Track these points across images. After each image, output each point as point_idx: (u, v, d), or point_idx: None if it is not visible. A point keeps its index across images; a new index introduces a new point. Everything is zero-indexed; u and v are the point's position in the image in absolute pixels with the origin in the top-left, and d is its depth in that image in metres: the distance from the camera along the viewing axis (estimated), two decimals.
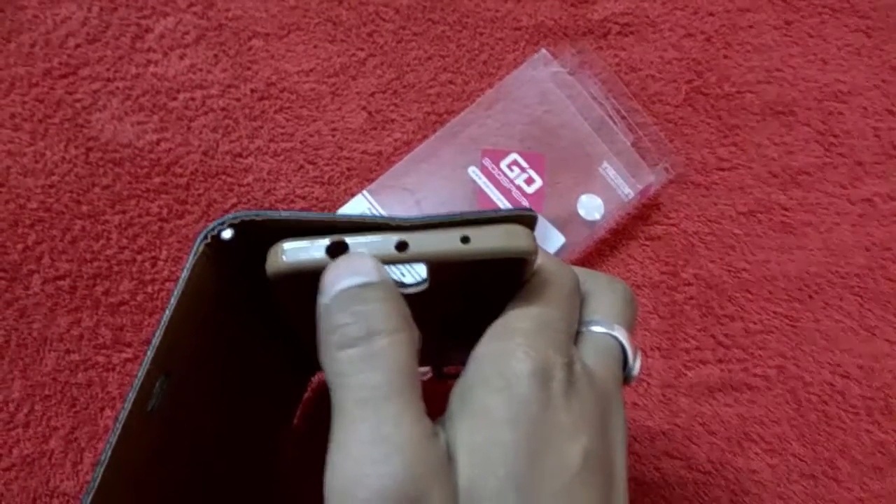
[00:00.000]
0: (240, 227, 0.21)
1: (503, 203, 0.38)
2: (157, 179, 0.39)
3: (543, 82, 0.40)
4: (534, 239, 0.21)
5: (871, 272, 0.40)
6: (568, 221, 0.38)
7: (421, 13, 0.43)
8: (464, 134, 0.39)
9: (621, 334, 0.24)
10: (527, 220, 0.21)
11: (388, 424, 0.18)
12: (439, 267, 0.21)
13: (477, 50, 0.43)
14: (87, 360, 0.35)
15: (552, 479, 0.19)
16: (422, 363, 0.32)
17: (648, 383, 0.38)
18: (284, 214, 0.21)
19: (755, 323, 0.39)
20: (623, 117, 0.40)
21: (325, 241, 0.20)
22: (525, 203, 0.38)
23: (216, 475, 0.28)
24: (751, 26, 0.44)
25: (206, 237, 0.21)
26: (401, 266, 0.36)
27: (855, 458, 0.37)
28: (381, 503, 0.17)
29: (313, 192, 0.40)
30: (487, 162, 0.38)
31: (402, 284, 0.24)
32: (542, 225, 0.38)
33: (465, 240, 0.21)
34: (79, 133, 0.39)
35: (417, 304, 0.23)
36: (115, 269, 0.37)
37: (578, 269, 0.26)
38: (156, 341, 0.20)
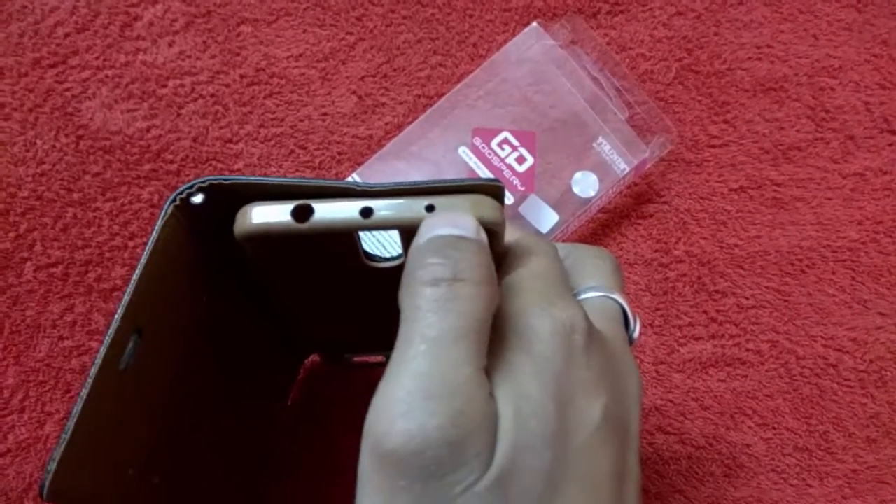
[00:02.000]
0: (209, 192, 0.21)
1: None
2: (147, 166, 0.39)
3: (535, 57, 0.40)
4: (500, 210, 0.21)
5: (863, 246, 0.40)
6: (562, 199, 0.38)
7: None
8: (453, 114, 0.39)
9: (619, 297, 0.24)
10: (494, 190, 0.21)
11: (448, 365, 0.18)
12: (408, 236, 0.21)
13: (467, 32, 0.43)
14: (80, 345, 0.35)
15: (575, 435, 0.19)
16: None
17: (641, 360, 0.38)
18: (252, 179, 0.21)
19: (747, 298, 0.39)
20: (618, 91, 0.40)
21: (291, 205, 0.21)
22: (516, 182, 0.38)
23: (211, 449, 0.28)
24: (741, 3, 0.44)
25: (174, 199, 0.22)
26: (382, 239, 0.36)
27: (849, 430, 0.37)
28: (420, 438, 0.18)
29: (304, 177, 0.40)
30: (478, 141, 0.38)
31: (379, 258, 0.24)
32: (536, 203, 0.38)
33: (429, 208, 0.21)
34: (69, 121, 0.39)
35: (397, 279, 0.23)
36: (107, 255, 0.37)
37: (562, 244, 0.26)
38: (126, 298, 0.21)
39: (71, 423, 0.19)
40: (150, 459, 0.23)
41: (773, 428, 0.37)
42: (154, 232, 0.21)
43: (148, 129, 0.39)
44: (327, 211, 0.21)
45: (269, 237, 0.21)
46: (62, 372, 0.35)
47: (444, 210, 0.21)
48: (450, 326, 0.19)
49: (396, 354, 0.19)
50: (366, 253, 0.24)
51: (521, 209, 0.38)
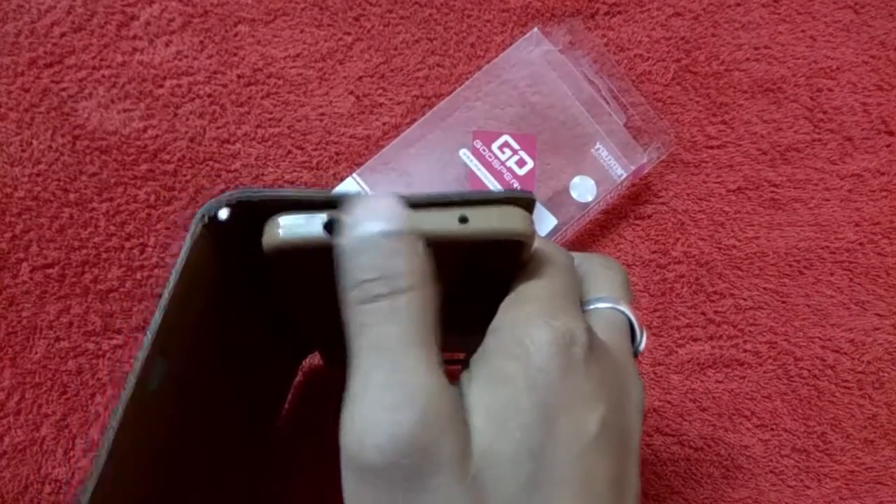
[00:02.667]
0: (236, 207, 0.21)
1: (494, 186, 0.38)
2: (144, 166, 0.39)
3: (535, 62, 0.40)
4: (531, 222, 0.21)
5: (860, 247, 0.40)
6: (560, 203, 0.38)
7: None
8: (454, 116, 0.39)
9: (627, 309, 0.24)
10: (525, 202, 0.21)
11: (404, 373, 0.19)
12: (437, 247, 0.21)
13: (465, 32, 0.43)
14: (76, 347, 0.35)
15: (568, 446, 0.19)
16: None
17: (640, 361, 0.38)
18: (282, 193, 0.21)
19: (745, 299, 0.39)
20: (615, 96, 0.40)
21: (323, 217, 0.20)
22: (516, 185, 0.38)
23: (214, 452, 0.28)
24: (739, 4, 0.44)
25: (203, 217, 0.21)
26: None
27: (847, 431, 0.37)
28: (392, 449, 0.18)
29: (302, 178, 0.40)
30: (479, 144, 0.38)
31: None
32: (535, 206, 0.38)
33: (463, 220, 0.20)
34: (65, 122, 0.39)
35: None
36: (104, 256, 0.37)
37: (574, 253, 0.26)
38: (155, 324, 0.20)
39: (103, 454, 0.19)
40: (169, 469, 0.23)
41: (771, 429, 0.37)
42: (183, 253, 0.21)
43: (144, 130, 0.39)
44: None
45: (298, 249, 0.20)
46: (58, 374, 0.35)
47: (364, 203, 0.20)
48: (396, 335, 0.19)
49: (353, 371, 0.19)
50: None
51: None
